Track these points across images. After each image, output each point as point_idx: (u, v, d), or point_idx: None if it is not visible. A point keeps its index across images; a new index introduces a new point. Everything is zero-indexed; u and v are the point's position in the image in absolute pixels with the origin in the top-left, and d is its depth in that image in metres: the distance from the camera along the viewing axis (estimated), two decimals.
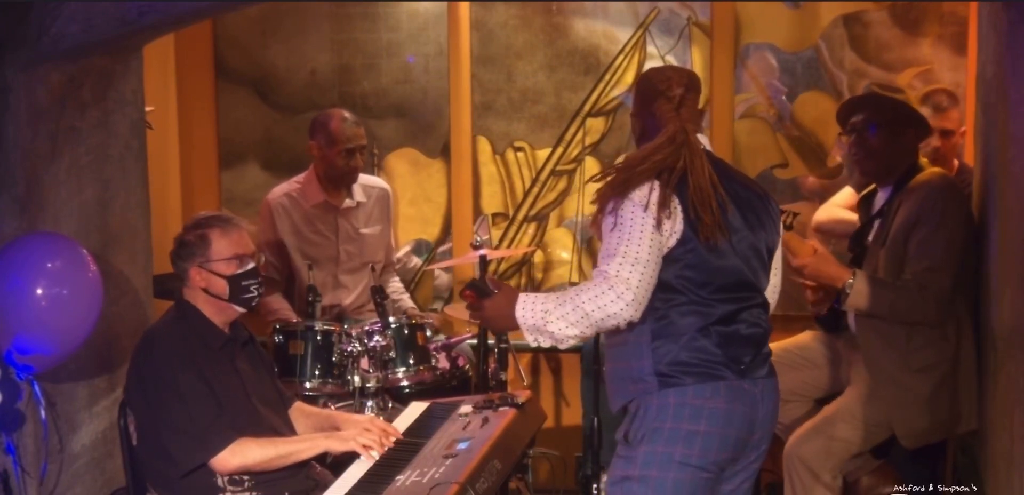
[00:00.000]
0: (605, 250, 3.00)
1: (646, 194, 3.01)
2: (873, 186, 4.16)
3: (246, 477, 3.41)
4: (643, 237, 2.97)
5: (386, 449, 3.43)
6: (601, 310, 2.95)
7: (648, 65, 5.29)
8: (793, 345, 4.30)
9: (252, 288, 3.52)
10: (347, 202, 4.94)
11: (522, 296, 3.04)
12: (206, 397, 3.39)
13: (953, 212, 3.87)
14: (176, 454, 3.37)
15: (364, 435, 3.44)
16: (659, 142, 3.11)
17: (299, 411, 3.76)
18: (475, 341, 4.52)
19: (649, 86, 3.25)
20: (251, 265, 3.51)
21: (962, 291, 3.91)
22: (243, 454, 3.38)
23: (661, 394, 3.04)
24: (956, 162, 4.62)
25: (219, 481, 3.40)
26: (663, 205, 3.00)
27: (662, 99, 3.20)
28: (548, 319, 2.99)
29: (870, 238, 4.07)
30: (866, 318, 3.91)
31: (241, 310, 3.54)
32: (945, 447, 4.07)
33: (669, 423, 3.04)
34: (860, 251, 4.10)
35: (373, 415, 3.94)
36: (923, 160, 4.11)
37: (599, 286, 2.96)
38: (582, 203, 5.43)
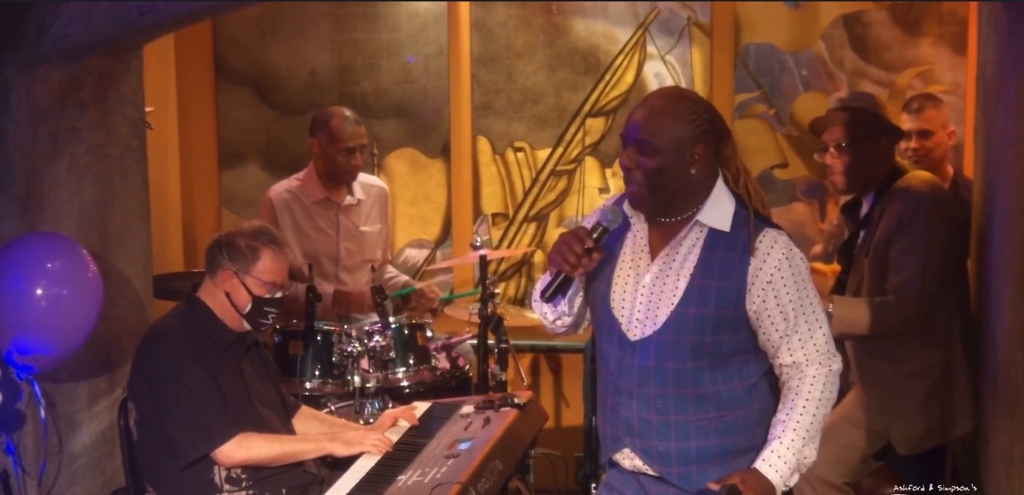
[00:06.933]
0: (811, 326, 2.78)
1: None
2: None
3: (243, 476, 3.41)
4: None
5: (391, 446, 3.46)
6: (832, 401, 2.83)
7: (648, 65, 5.29)
8: None
9: (270, 316, 3.56)
10: (348, 199, 4.95)
11: (763, 463, 2.76)
12: (211, 390, 3.39)
13: (935, 215, 3.82)
14: (179, 445, 3.37)
15: (371, 435, 3.48)
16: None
17: (308, 416, 3.78)
18: (475, 341, 4.52)
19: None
20: (279, 295, 3.54)
21: (951, 293, 3.89)
22: (248, 448, 3.38)
23: None
24: (950, 169, 4.59)
25: (217, 480, 3.41)
26: None
27: None
28: (802, 456, 2.78)
29: (857, 247, 4.06)
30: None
31: (248, 328, 3.57)
32: (945, 448, 4.06)
33: None
34: (849, 261, 4.08)
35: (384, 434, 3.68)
36: (905, 163, 4.08)
37: (825, 380, 2.80)
38: (582, 203, 5.43)
